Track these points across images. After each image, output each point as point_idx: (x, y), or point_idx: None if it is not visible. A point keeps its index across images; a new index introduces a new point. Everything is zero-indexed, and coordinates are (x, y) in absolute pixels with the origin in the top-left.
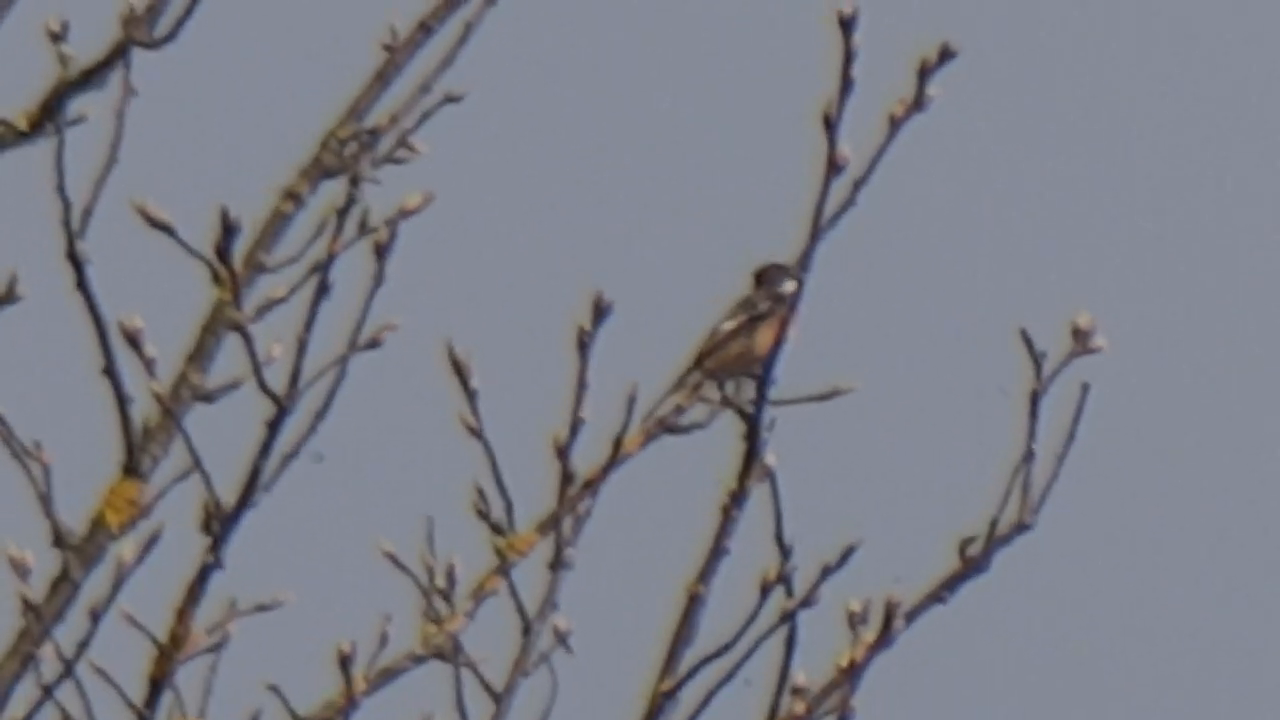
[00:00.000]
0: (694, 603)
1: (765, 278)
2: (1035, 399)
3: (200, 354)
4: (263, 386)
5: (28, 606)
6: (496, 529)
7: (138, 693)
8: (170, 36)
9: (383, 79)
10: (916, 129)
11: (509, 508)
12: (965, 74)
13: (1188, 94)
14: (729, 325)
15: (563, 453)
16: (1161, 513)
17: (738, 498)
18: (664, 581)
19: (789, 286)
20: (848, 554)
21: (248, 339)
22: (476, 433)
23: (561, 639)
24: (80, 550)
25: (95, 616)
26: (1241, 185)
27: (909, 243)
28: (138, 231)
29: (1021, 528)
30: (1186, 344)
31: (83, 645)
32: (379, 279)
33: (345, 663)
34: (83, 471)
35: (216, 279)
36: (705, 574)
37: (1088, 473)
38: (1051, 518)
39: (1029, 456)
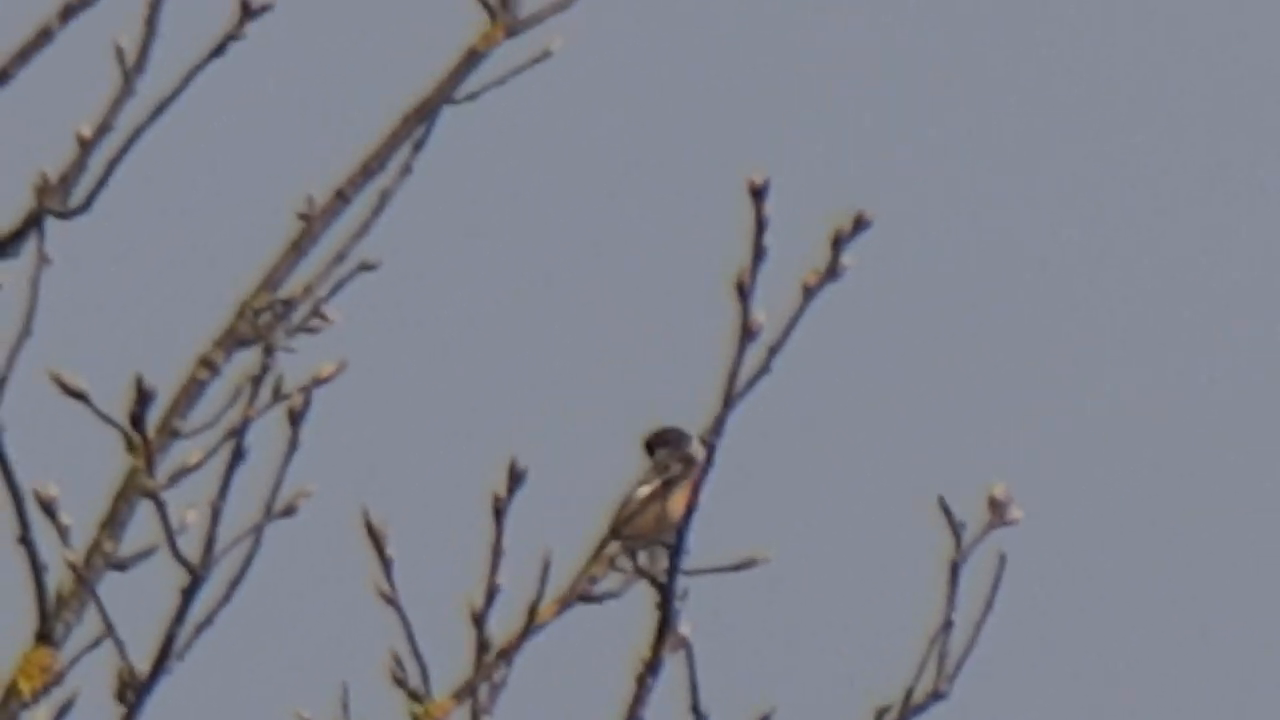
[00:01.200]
0: None
1: (660, 441)
2: (955, 569)
3: (114, 522)
4: (176, 554)
5: None
6: (413, 696)
7: None
8: (84, 206)
9: (298, 248)
10: (831, 296)
11: (425, 675)
12: (879, 241)
13: (1093, 267)
14: (643, 490)
15: (478, 620)
16: (1077, 684)
17: (652, 667)
18: None
19: (696, 447)
20: None
21: (161, 507)
22: (392, 600)
23: None
24: None
25: None
26: (1162, 356)
27: (824, 411)
28: (52, 400)
29: (937, 696)
30: (1103, 514)
31: None
32: (293, 445)
33: None
34: None
35: (130, 447)
36: None
37: (1003, 642)
38: (966, 687)
39: (947, 626)
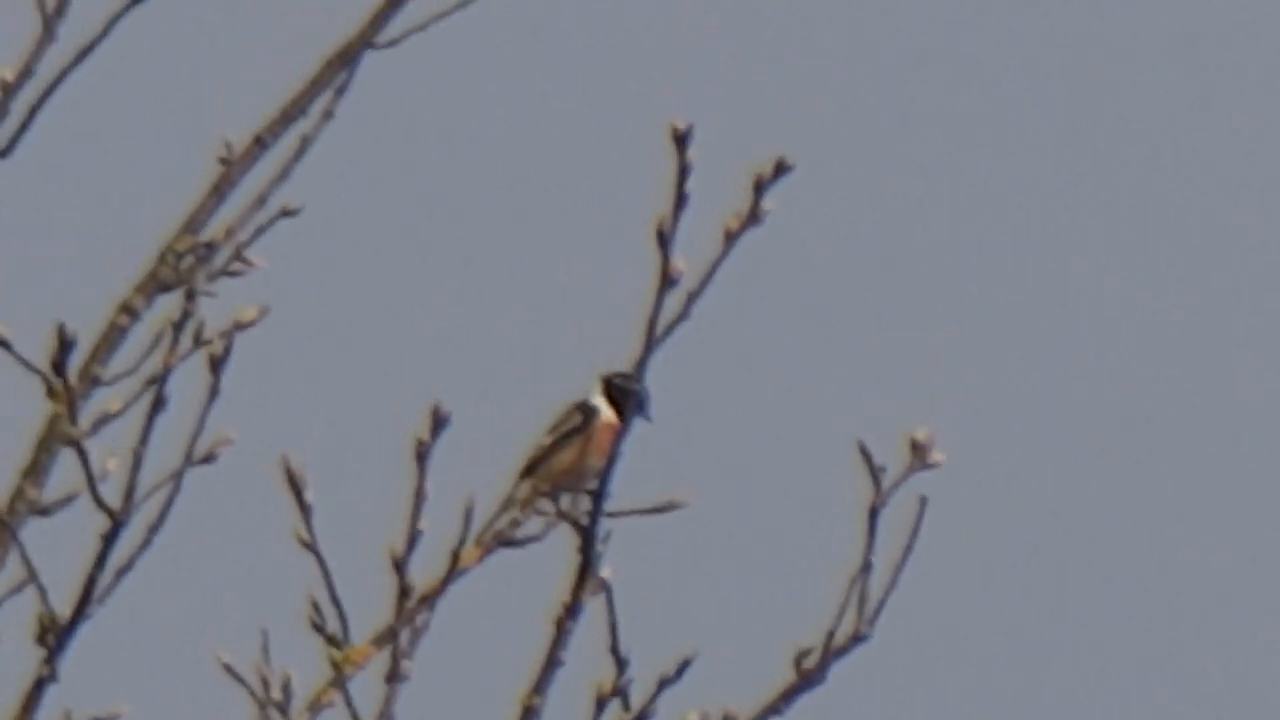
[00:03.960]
0: (529, 715)
1: (617, 383)
2: (874, 513)
3: (36, 469)
4: (98, 501)
5: None
6: (332, 641)
7: None
8: (6, 151)
9: (218, 193)
10: (751, 241)
11: (344, 621)
12: (800, 187)
13: (1005, 190)
14: (548, 440)
15: (400, 565)
16: (997, 624)
17: (572, 610)
18: (500, 694)
19: (598, 402)
20: (684, 666)
21: (83, 454)
22: (311, 547)
23: None
24: None
25: None
26: (1074, 290)
27: (745, 355)
28: None
29: (858, 639)
30: (1023, 456)
31: None
32: (214, 392)
33: None
34: None
35: (52, 393)
36: (540, 686)
37: (924, 584)
38: (888, 629)
39: (867, 568)
